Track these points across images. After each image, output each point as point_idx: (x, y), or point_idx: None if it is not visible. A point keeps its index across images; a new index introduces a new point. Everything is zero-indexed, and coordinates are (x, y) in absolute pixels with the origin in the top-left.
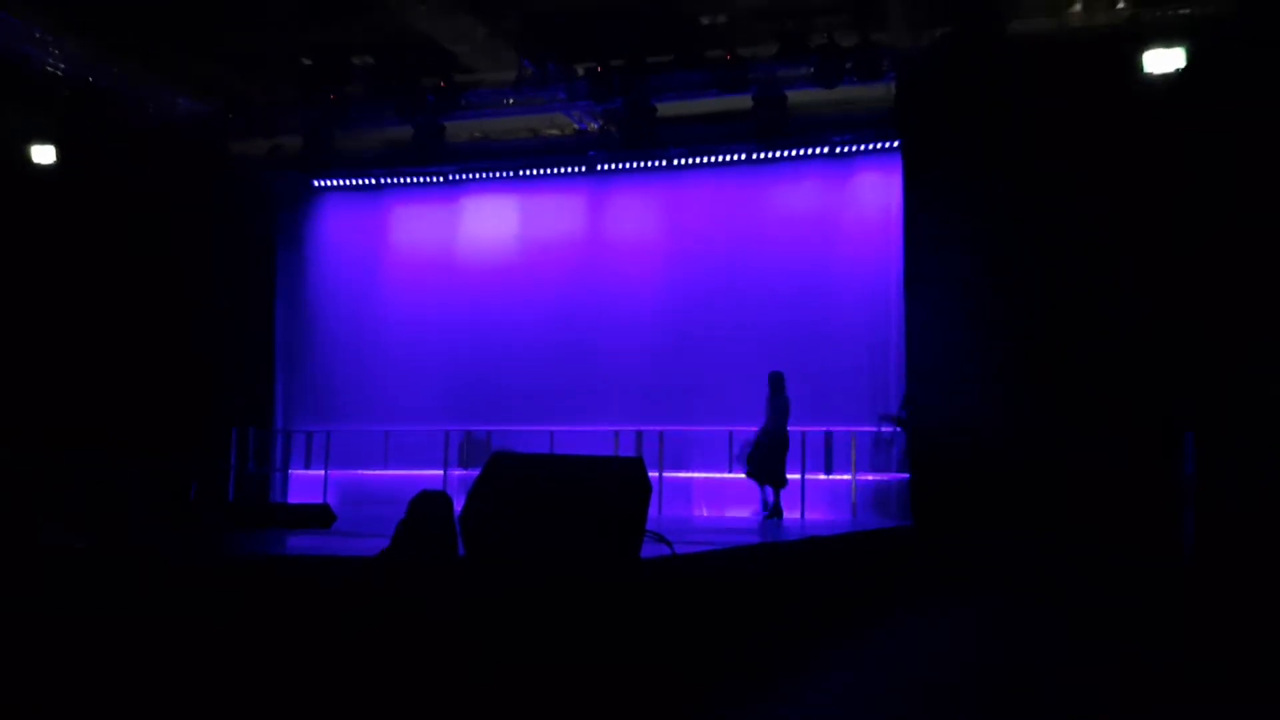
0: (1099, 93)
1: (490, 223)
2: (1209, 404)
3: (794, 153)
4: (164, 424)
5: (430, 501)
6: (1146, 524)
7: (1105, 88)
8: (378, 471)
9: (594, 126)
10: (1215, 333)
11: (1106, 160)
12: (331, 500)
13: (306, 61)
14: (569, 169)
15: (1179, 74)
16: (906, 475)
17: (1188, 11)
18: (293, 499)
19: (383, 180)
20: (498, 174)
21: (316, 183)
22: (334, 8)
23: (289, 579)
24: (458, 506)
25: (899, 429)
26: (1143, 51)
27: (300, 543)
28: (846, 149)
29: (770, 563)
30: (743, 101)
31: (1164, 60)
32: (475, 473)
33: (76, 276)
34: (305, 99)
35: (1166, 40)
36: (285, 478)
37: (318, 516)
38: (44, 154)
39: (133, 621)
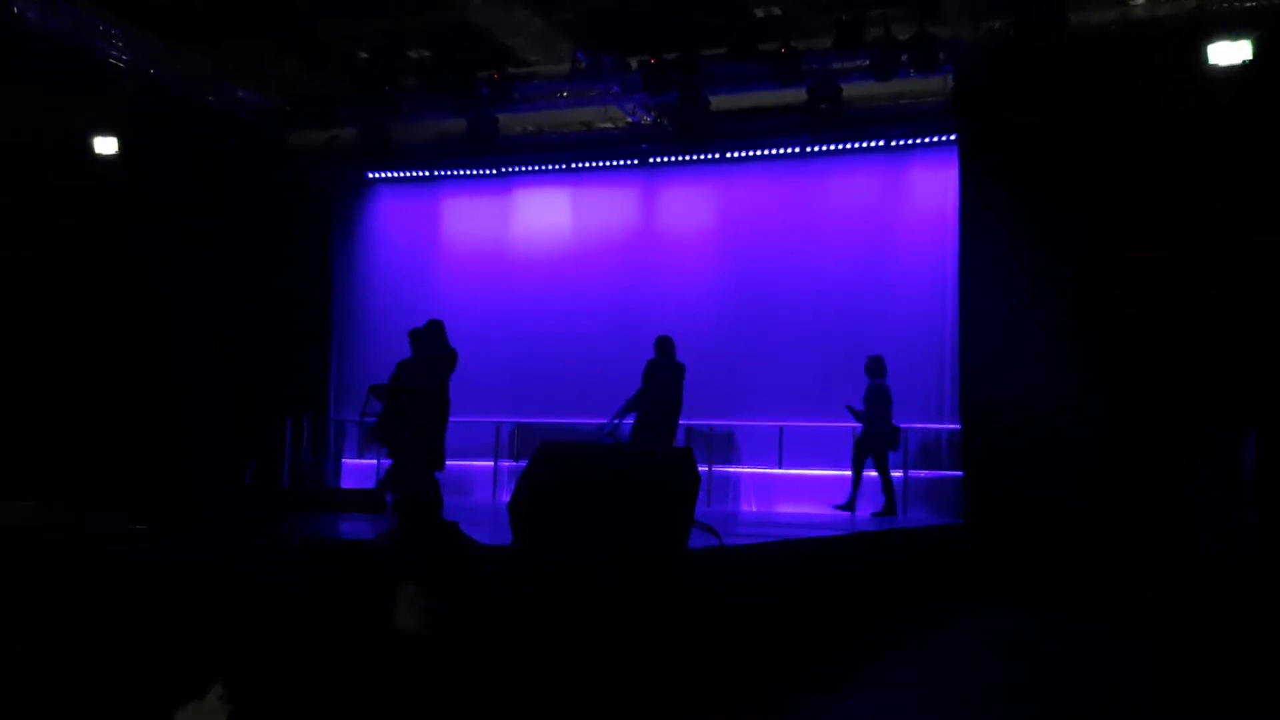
0: (1162, 85)
1: (543, 215)
2: (1273, 400)
3: (849, 146)
4: (220, 412)
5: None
6: (1207, 522)
7: (1168, 80)
8: None
9: (647, 119)
10: None
11: (1170, 154)
12: None
13: (364, 55)
14: (622, 162)
15: (1245, 66)
16: (960, 473)
17: (1253, 3)
18: (345, 487)
19: (436, 172)
20: (551, 166)
21: (370, 175)
22: (391, 2)
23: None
24: (504, 496)
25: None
26: (1208, 43)
27: (354, 528)
28: (902, 142)
29: (818, 557)
30: (797, 94)
31: (1230, 52)
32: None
33: (136, 265)
34: (362, 92)
35: (1233, 32)
36: (338, 466)
37: (371, 502)
38: (106, 145)
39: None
